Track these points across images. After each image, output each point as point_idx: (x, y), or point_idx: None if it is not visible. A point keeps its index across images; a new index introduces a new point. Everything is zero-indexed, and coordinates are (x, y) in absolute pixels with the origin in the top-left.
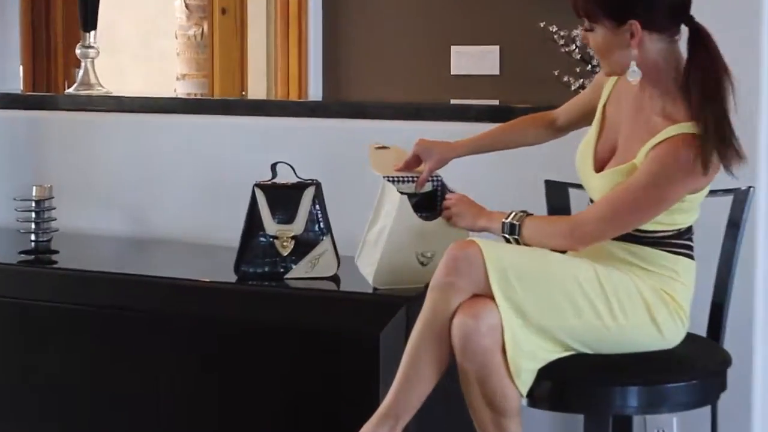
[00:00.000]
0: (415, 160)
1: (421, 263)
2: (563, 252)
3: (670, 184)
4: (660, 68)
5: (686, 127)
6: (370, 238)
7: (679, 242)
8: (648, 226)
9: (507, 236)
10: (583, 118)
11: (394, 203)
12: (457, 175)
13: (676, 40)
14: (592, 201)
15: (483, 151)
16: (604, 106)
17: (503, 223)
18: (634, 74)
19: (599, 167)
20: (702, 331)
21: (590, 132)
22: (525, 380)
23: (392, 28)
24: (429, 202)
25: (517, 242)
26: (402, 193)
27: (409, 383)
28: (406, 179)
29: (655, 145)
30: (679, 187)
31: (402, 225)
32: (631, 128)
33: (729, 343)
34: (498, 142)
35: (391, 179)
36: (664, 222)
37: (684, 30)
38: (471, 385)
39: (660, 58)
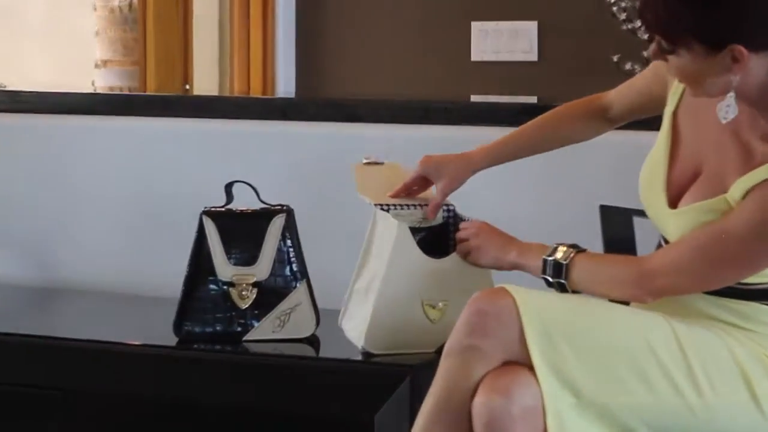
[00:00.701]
0: (419, 183)
1: (430, 319)
2: (625, 303)
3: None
4: (765, 88)
5: None
6: (358, 288)
7: None
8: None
9: (550, 279)
10: (644, 108)
11: (389, 236)
12: (477, 200)
13: None
14: (666, 241)
15: (510, 158)
16: (674, 113)
17: (545, 260)
18: (728, 111)
19: (674, 198)
20: None
21: (657, 149)
22: None
23: None
24: (438, 240)
25: (563, 288)
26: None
27: None
28: (406, 206)
29: (759, 183)
30: None
31: (401, 264)
32: (720, 151)
33: None
34: (530, 143)
35: (385, 207)
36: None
37: None
38: None
39: (766, 77)
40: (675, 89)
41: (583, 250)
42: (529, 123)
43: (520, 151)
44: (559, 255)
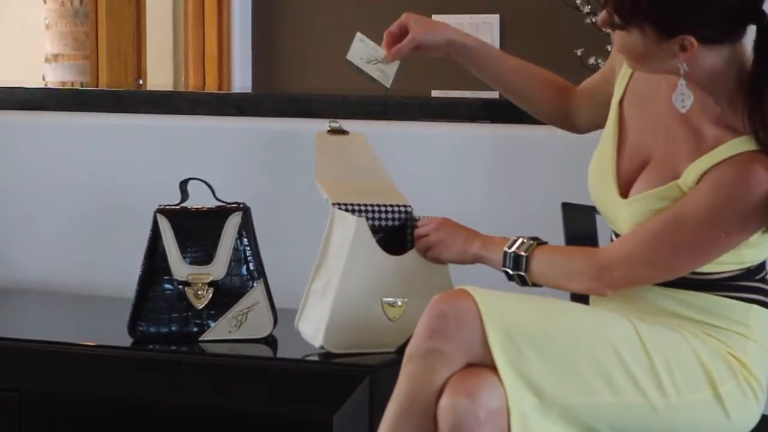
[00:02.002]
0: (399, 30)
1: (389, 317)
2: (585, 297)
3: (737, 219)
4: (717, 74)
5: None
6: (315, 289)
7: (748, 284)
8: (704, 266)
9: (510, 271)
10: (602, 92)
11: (348, 233)
12: (437, 196)
13: (739, 40)
14: (616, 234)
15: (488, 68)
16: (620, 103)
17: (506, 253)
18: (683, 99)
19: (625, 189)
20: None
21: (604, 140)
22: None
23: None
24: (395, 240)
25: (523, 280)
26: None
27: None
28: (366, 207)
29: (713, 166)
30: (749, 222)
31: (360, 261)
32: (669, 137)
33: None
34: (510, 73)
35: (344, 207)
36: (727, 260)
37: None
38: None
39: (718, 65)
40: (621, 79)
41: (544, 243)
42: (513, 57)
43: (488, 69)
44: (519, 247)
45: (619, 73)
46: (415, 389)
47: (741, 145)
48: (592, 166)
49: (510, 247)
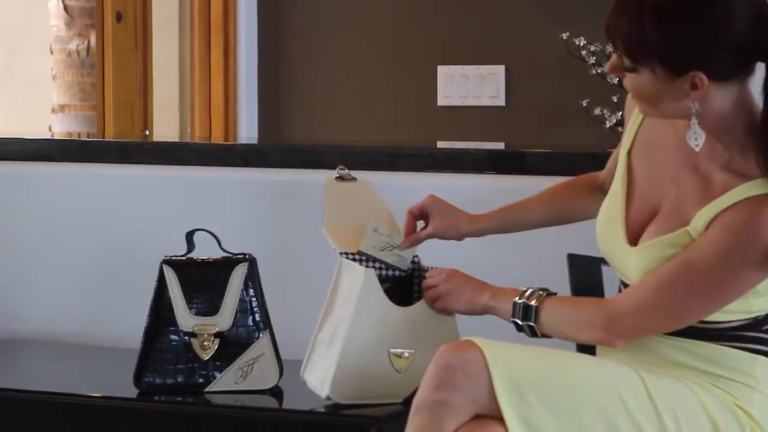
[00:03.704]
0: (418, 213)
1: (396, 368)
2: (592, 348)
3: (748, 264)
4: (726, 118)
5: (766, 186)
6: (321, 339)
7: (755, 335)
8: (712, 315)
9: (519, 322)
10: None
11: (356, 283)
12: (443, 246)
13: (747, 81)
14: (624, 285)
15: (517, 227)
16: (629, 153)
17: (515, 303)
18: (696, 138)
19: (634, 237)
20: None
21: (614, 190)
22: None
23: (355, 43)
24: (402, 290)
25: (532, 331)
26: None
27: None
28: (373, 258)
29: (721, 211)
30: (759, 270)
31: (368, 311)
32: (679, 185)
33: None
34: (538, 213)
35: (351, 256)
36: (734, 309)
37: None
38: None
39: (727, 107)
40: (629, 129)
41: (554, 294)
42: (532, 196)
43: (528, 222)
44: (529, 298)
45: (629, 122)
46: None
47: (750, 189)
48: (601, 215)
49: (519, 298)
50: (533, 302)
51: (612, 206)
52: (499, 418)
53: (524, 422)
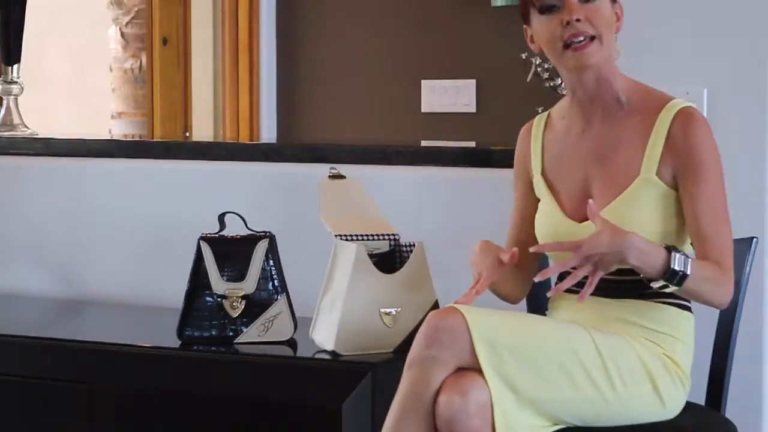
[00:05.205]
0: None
1: (386, 324)
2: (543, 310)
3: (720, 157)
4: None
5: (679, 102)
6: (324, 305)
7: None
8: None
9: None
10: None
11: (349, 257)
12: (425, 225)
13: None
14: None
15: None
16: (543, 173)
17: (670, 270)
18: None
19: (581, 221)
20: (700, 398)
21: (544, 205)
22: None
23: (355, 60)
24: (387, 262)
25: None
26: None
27: None
28: (362, 237)
29: (666, 140)
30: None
31: (361, 279)
32: (603, 156)
33: (732, 412)
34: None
35: (344, 237)
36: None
37: None
38: None
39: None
40: (534, 157)
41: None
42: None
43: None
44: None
45: (529, 154)
46: (415, 389)
47: (674, 106)
48: (540, 226)
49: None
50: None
51: (550, 213)
52: (478, 370)
53: (498, 373)
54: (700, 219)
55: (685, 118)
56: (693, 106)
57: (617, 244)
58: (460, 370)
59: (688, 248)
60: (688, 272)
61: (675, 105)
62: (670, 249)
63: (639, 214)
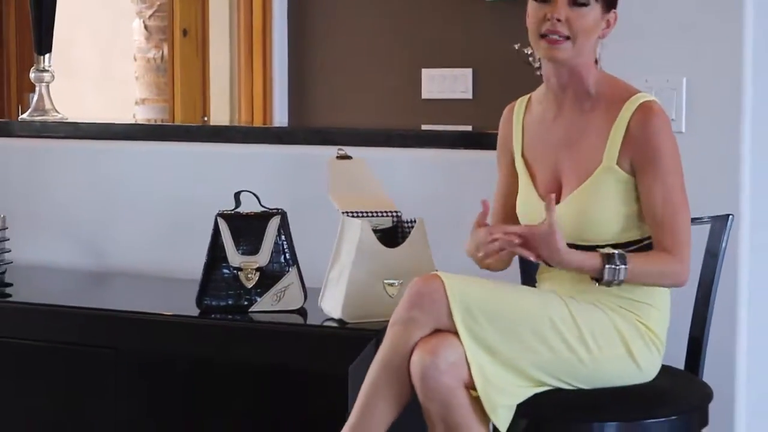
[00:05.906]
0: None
1: (389, 294)
2: (532, 281)
3: (677, 148)
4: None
5: (642, 96)
6: (332, 277)
7: None
8: (623, 236)
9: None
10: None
11: (355, 232)
12: (424, 204)
13: None
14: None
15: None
16: (522, 155)
17: (607, 269)
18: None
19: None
20: (679, 363)
21: (522, 186)
22: (502, 417)
23: (360, 50)
24: (390, 237)
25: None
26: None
27: (364, 419)
28: (367, 214)
29: (626, 132)
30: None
31: (366, 252)
32: (572, 143)
33: (708, 376)
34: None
35: (351, 214)
36: (640, 229)
37: None
38: (435, 425)
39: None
40: (516, 138)
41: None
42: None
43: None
44: (616, 262)
45: (510, 135)
46: (395, 346)
47: (634, 101)
48: (520, 205)
49: (607, 263)
50: (621, 267)
51: (526, 193)
52: (454, 332)
53: (473, 335)
54: (655, 208)
55: (644, 111)
56: (655, 100)
57: (553, 259)
58: (438, 331)
59: (629, 237)
60: (622, 278)
61: (638, 99)
62: (605, 260)
63: (601, 200)
